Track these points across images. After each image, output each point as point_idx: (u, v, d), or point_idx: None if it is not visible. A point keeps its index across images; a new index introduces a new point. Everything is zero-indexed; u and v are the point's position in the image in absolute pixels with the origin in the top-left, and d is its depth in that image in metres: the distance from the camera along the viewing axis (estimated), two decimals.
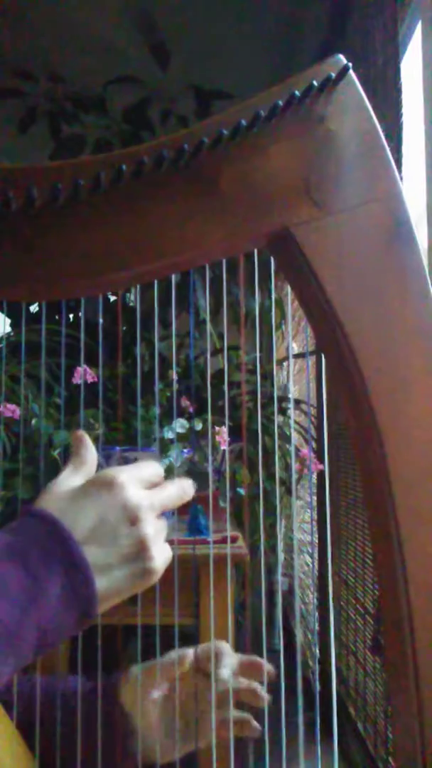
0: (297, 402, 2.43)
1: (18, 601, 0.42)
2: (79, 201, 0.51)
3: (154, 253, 0.53)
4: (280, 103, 0.51)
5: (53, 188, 0.50)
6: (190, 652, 0.69)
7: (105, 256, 0.53)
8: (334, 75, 0.52)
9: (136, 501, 0.48)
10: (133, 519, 0.47)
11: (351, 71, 0.52)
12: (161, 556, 0.49)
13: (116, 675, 0.71)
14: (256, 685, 0.68)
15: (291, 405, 2.27)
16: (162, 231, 0.53)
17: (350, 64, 0.52)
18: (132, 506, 0.48)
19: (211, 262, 0.57)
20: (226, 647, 0.68)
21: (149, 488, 0.51)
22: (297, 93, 0.51)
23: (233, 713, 0.68)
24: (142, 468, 0.52)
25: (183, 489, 0.53)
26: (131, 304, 1.91)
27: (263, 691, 0.68)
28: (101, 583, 0.46)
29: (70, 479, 0.50)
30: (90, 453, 0.53)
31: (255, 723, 0.68)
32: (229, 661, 0.68)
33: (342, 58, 0.53)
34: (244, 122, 0.51)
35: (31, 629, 0.42)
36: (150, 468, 0.52)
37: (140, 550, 0.47)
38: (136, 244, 0.53)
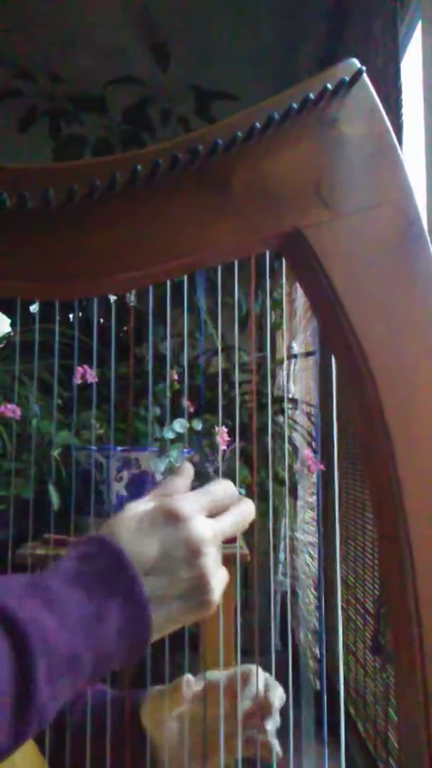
0: (297, 402, 2.43)
1: (80, 628, 0.43)
2: (94, 201, 0.51)
3: (167, 254, 0.53)
4: (295, 105, 0.52)
5: (69, 189, 0.50)
6: (218, 675, 0.69)
7: (117, 256, 0.53)
8: (348, 78, 0.52)
9: (200, 535, 0.48)
10: (195, 553, 0.47)
11: (364, 75, 0.53)
12: (219, 587, 0.49)
13: (139, 693, 0.71)
14: (274, 742, 0.67)
15: (287, 405, 2.27)
16: (175, 232, 0.53)
17: (364, 68, 0.52)
18: (195, 541, 0.47)
19: (223, 263, 0.58)
20: (253, 670, 0.68)
21: (216, 512, 0.51)
22: (311, 96, 0.52)
23: (259, 735, 0.68)
24: (210, 493, 0.51)
25: (244, 516, 0.52)
26: (131, 303, 1.90)
27: (278, 747, 0.68)
28: (158, 614, 0.46)
29: (144, 504, 0.50)
30: (183, 486, 0.52)
31: (278, 749, 0.67)
32: (254, 682, 0.68)
33: (356, 62, 0.53)
34: (258, 125, 0.51)
35: (89, 657, 0.43)
36: (219, 491, 0.52)
37: (199, 584, 0.47)
38: (148, 245, 0.53)
